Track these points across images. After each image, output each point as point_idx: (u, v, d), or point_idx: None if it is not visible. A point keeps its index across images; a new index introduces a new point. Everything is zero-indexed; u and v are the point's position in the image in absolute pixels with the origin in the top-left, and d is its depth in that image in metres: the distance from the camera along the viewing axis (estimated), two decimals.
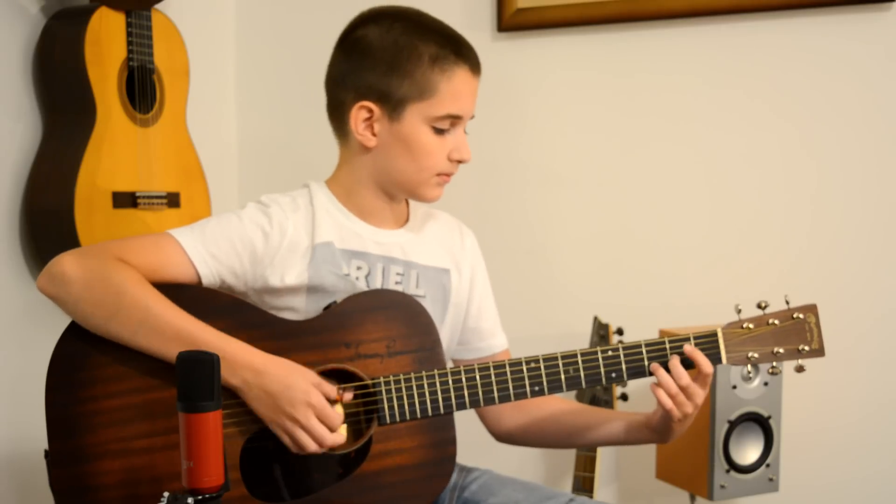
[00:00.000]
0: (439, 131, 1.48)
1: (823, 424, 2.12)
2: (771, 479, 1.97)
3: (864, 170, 2.09)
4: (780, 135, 2.14)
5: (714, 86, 2.18)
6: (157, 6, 2.05)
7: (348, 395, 1.39)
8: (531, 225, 2.34)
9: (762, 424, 1.96)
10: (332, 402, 1.38)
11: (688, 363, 1.42)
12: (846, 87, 2.08)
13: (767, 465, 1.96)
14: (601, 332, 2.05)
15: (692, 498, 2.05)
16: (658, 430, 1.47)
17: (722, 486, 1.93)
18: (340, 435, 1.36)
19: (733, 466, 1.94)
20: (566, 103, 2.30)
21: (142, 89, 2.02)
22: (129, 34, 1.99)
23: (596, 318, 2.07)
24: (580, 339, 2.16)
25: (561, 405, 1.62)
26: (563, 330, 2.30)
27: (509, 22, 2.29)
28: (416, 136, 1.47)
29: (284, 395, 1.33)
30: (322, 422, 1.34)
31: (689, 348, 1.41)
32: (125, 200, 1.98)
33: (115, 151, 1.96)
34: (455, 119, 1.48)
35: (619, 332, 2.06)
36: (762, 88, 2.14)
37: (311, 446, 1.34)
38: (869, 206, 2.09)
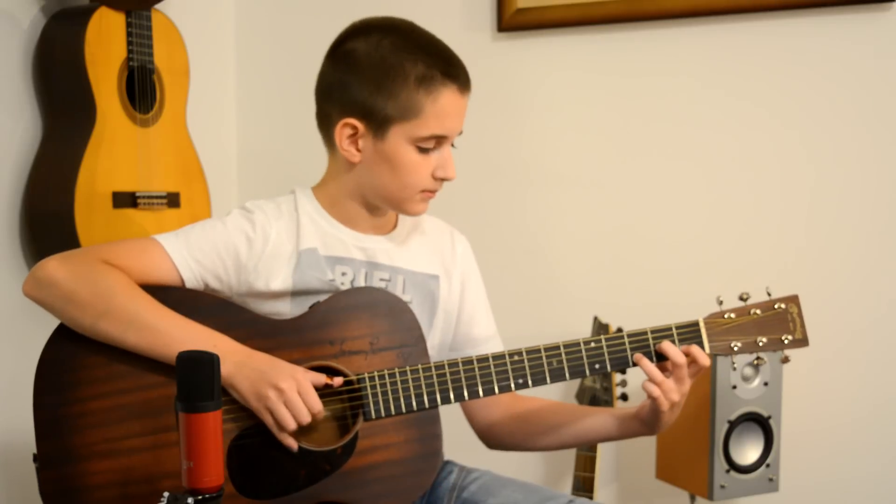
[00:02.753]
0: (423, 150, 1.47)
1: (823, 424, 2.12)
2: (771, 479, 1.97)
3: (863, 170, 2.09)
4: (780, 135, 2.14)
5: (713, 86, 2.18)
6: (157, 6, 2.05)
7: (338, 380, 1.39)
8: (531, 225, 2.34)
9: (762, 424, 1.96)
10: (323, 390, 1.38)
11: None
12: (846, 87, 2.08)
13: (767, 465, 1.96)
14: (601, 332, 2.05)
15: (692, 498, 2.05)
16: (647, 421, 1.48)
17: (722, 486, 1.93)
18: (319, 417, 1.37)
19: (733, 466, 1.94)
20: (566, 103, 2.30)
21: (142, 89, 2.02)
22: (129, 34, 1.99)
23: (596, 318, 2.07)
24: None
25: (545, 403, 1.62)
26: (563, 330, 2.29)
27: (509, 22, 2.29)
28: (400, 155, 1.47)
29: (273, 370, 1.35)
30: (302, 398, 1.34)
31: (664, 346, 1.42)
32: (125, 200, 1.98)
33: (115, 151, 1.96)
34: (440, 139, 1.48)
35: (619, 332, 2.05)
36: (762, 88, 2.14)
37: (290, 423, 1.34)
38: (867, 206, 2.09)
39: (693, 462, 1.98)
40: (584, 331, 2.13)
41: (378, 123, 1.46)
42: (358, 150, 1.48)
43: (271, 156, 2.57)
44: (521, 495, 1.51)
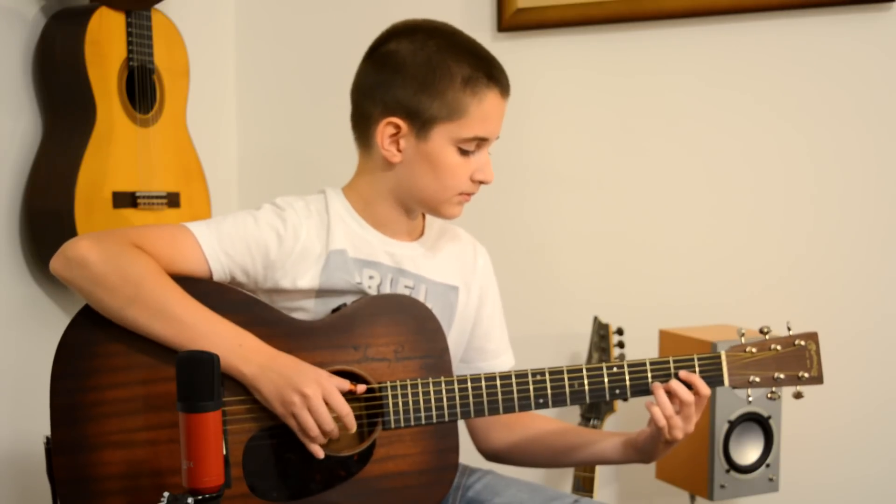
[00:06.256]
0: (464, 152, 1.48)
1: (823, 424, 2.12)
2: (771, 479, 1.97)
3: (863, 170, 2.09)
4: (780, 135, 2.14)
5: (714, 86, 2.18)
6: (157, 6, 2.05)
7: (361, 388, 1.39)
8: (531, 225, 2.34)
9: (762, 424, 1.96)
10: (346, 395, 1.38)
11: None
12: (846, 87, 2.08)
13: (767, 465, 1.96)
14: (601, 332, 2.05)
15: (692, 498, 2.05)
16: (643, 450, 1.49)
17: (722, 486, 1.93)
18: (350, 419, 1.36)
19: (733, 466, 1.94)
20: (566, 103, 2.30)
21: (142, 89, 2.02)
22: (129, 34, 1.99)
23: (596, 318, 2.07)
24: (580, 339, 2.16)
25: (549, 425, 1.62)
26: (563, 330, 2.30)
27: (509, 22, 2.29)
28: (442, 155, 1.47)
29: (297, 375, 1.34)
30: (328, 403, 1.34)
31: (684, 374, 1.43)
32: (125, 200, 1.98)
33: (115, 151, 1.96)
34: (481, 141, 1.49)
35: (619, 332, 2.06)
36: (762, 89, 2.15)
37: (314, 430, 1.34)
38: (868, 206, 2.09)
39: (693, 462, 1.98)
40: (584, 331, 2.13)
41: (422, 123, 1.45)
42: (399, 151, 1.48)
43: (271, 156, 2.57)
44: (527, 495, 1.51)
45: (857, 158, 2.09)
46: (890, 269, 2.08)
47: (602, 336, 2.05)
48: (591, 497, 1.96)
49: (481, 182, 1.51)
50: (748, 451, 1.96)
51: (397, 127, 1.46)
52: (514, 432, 1.62)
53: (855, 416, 2.11)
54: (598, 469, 2.00)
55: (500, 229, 2.35)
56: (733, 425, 1.93)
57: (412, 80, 1.45)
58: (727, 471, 1.93)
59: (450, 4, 2.34)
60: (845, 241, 2.10)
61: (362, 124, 1.52)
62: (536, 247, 2.34)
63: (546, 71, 2.31)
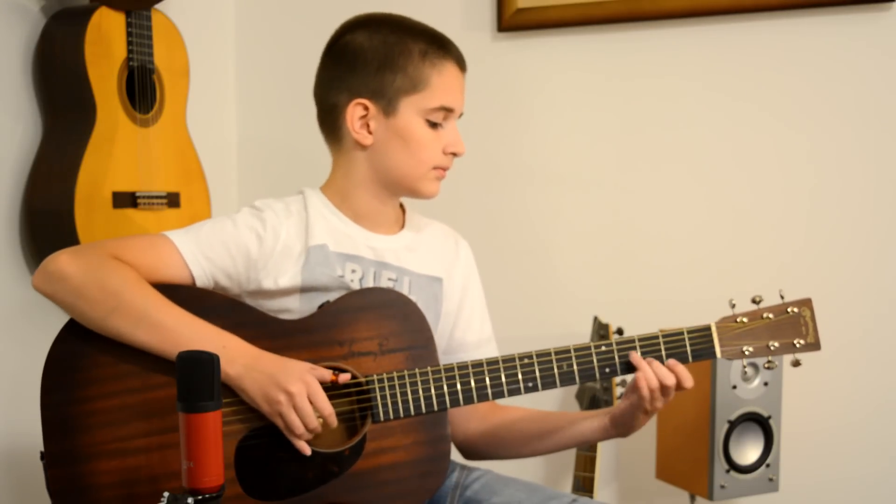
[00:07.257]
0: (433, 125, 1.51)
1: (823, 424, 2.12)
2: (771, 479, 1.97)
3: (862, 169, 2.09)
4: (780, 134, 2.14)
5: (713, 86, 2.18)
6: (157, 6, 2.05)
7: (344, 377, 1.40)
8: (531, 224, 2.34)
9: (762, 424, 1.96)
10: (331, 390, 1.39)
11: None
12: (846, 87, 2.08)
13: (767, 465, 1.96)
14: (601, 331, 2.05)
15: (692, 498, 2.05)
16: (622, 423, 1.49)
17: (722, 486, 1.93)
18: (332, 419, 1.37)
19: (733, 466, 1.94)
20: (566, 103, 2.30)
21: (142, 89, 2.02)
22: (129, 34, 1.99)
23: (596, 318, 2.07)
24: (580, 339, 2.15)
25: (522, 413, 1.62)
26: (563, 330, 2.30)
27: (509, 22, 2.29)
28: (412, 129, 1.50)
29: (281, 373, 1.35)
30: (312, 402, 1.35)
31: (671, 363, 1.43)
32: (125, 200, 1.98)
33: (115, 151, 1.96)
34: (447, 112, 1.51)
35: (619, 331, 2.06)
36: (761, 88, 2.14)
37: (300, 428, 1.34)
38: (867, 204, 2.09)
39: (693, 462, 1.98)
40: (584, 331, 2.13)
41: (388, 100, 1.49)
42: (369, 132, 1.51)
43: (271, 155, 2.57)
44: (525, 494, 1.51)
45: (856, 157, 2.09)
46: (889, 269, 2.08)
47: (602, 336, 2.05)
48: (591, 497, 1.96)
49: (454, 154, 1.54)
50: (748, 451, 1.96)
51: (365, 108, 1.49)
52: (487, 422, 1.62)
53: (855, 416, 2.11)
54: (598, 469, 2.00)
55: (500, 229, 2.35)
56: (733, 425, 1.93)
57: (372, 61, 1.49)
58: (727, 471, 1.93)
59: (450, 4, 2.34)
60: (845, 242, 2.10)
61: (330, 118, 1.54)
62: (536, 246, 2.34)
63: (546, 71, 2.31)
